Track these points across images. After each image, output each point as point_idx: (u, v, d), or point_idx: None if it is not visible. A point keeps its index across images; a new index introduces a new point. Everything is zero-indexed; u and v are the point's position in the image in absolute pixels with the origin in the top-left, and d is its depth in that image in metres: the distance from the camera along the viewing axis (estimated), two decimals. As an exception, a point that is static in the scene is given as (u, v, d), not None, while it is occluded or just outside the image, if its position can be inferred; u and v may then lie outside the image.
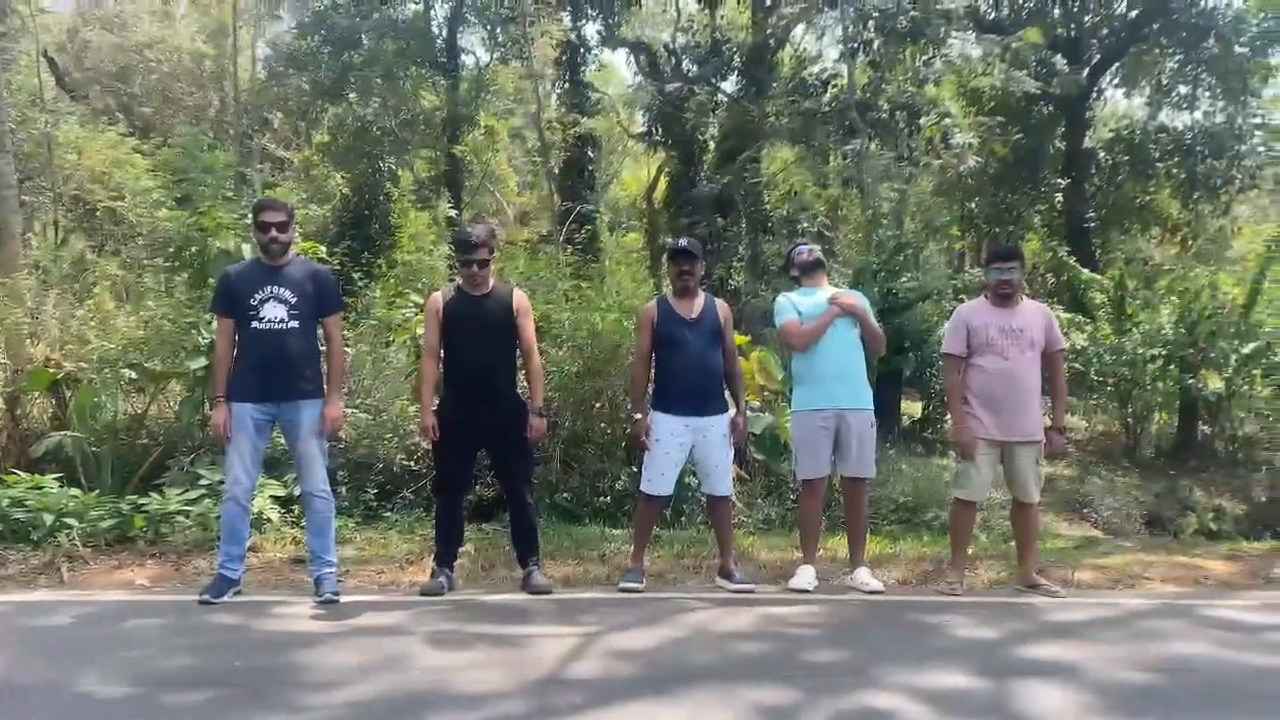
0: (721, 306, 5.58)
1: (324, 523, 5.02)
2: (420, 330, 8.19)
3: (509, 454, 5.28)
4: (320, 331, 5.16)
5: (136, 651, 3.99)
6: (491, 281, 5.27)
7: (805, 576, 5.40)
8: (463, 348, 5.16)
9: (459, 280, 5.28)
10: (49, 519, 5.86)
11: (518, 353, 5.35)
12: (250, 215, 5.49)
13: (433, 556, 5.35)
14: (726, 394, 5.59)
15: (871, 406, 5.57)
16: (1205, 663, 4.08)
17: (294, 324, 4.91)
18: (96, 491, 6.51)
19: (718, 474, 5.44)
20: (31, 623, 4.53)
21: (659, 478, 5.39)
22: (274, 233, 4.95)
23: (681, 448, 5.38)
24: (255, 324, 4.87)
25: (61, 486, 6.36)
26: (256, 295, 4.89)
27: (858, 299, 5.67)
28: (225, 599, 4.82)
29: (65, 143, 15.13)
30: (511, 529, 5.43)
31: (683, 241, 5.60)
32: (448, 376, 5.21)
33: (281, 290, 4.91)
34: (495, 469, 5.61)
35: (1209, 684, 3.81)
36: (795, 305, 5.58)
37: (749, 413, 6.63)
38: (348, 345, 7.53)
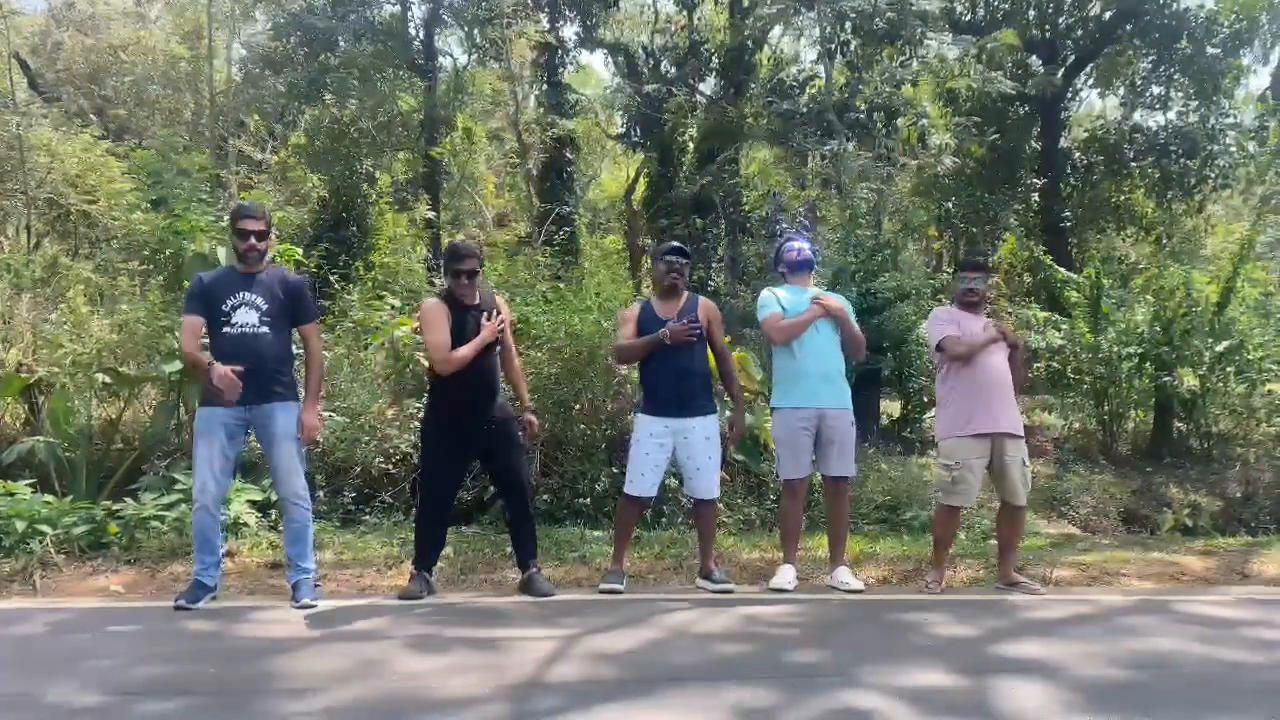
0: (706, 306, 5.55)
1: (301, 528, 4.99)
2: (398, 331, 8.16)
3: (508, 451, 5.28)
4: (297, 338, 5.13)
5: (111, 660, 3.95)
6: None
7: (786, 576, 5.41)
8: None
9: (449, 290, 5.20)
10: (21, 526, 5.77)
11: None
12: (228, 221, 5.43)
13: (412, 560, 5.33)
14: (718, 392, 5.59)
15: (851, 406, 5.59)
16: (1183, 658, 4.12)
17: (265, 329, 4.87)
18: (70, 497, 6.44)
19: (700, 476, 5.41)
20: (3, 631, 4.47)
21: (640, 479, 5.39)
22: (253, 240, 4.92)
23: (662, 449, 5.36)
24: (227, 329, 4.83)
25: (34, 493, 6.29)
26: (229, 301, 4.85)
27: (841, 302, 5.68)
28: (201, 605, 4.78)
29: (38, 145, 14.96)
30: (513, 523, 5.39)
31: (674, 243, 5.60)
32: (443, 387, 5.16)
33: (254, 297, 4.88)
34: (495, 470, 5.50)
35: (1187, 680, 3.84)
36: (779, 300, 5.59)
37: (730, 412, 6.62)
38: (325, 348, 7.48)
